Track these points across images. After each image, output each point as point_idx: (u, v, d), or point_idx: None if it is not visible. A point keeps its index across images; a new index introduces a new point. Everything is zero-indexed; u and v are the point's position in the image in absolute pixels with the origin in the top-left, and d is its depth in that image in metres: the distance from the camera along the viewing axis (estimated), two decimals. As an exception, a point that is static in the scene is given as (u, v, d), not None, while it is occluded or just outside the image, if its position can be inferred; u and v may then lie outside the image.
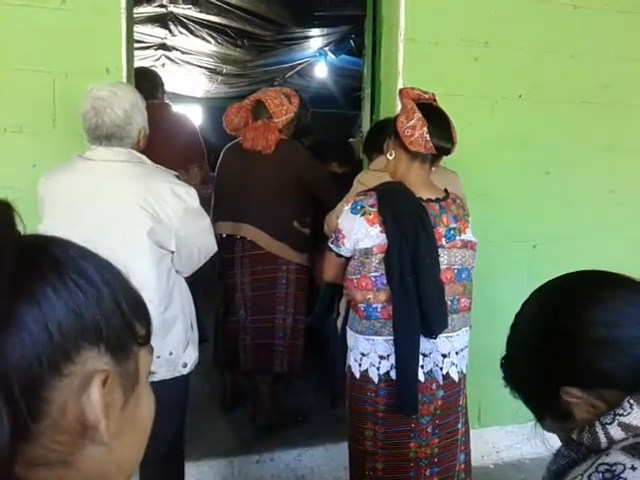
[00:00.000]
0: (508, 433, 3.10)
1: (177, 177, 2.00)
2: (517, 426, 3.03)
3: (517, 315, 0.96)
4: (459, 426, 2.05)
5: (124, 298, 0.52)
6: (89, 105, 1.87)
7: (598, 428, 0.81)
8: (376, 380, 1.93)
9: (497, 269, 2.88)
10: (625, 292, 0.87)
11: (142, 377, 0.55)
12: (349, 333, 2.01)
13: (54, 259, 0.49)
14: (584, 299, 0.87)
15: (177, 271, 2.00)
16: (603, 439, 0.80)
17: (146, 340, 0.55)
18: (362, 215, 1.88)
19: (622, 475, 0.73)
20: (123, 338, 0.52)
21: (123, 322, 0.52)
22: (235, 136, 3.04)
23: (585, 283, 0.92)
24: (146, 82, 3.11)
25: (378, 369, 1.93)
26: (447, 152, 1.95)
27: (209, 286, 3.25)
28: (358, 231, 1.89)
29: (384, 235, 1.86)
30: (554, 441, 0.92)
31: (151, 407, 0.57)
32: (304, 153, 3.07)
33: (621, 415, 0.80)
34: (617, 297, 0.86)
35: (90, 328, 0.48)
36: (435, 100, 1.96)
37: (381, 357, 1.92)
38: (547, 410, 0.90)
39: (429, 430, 1.96)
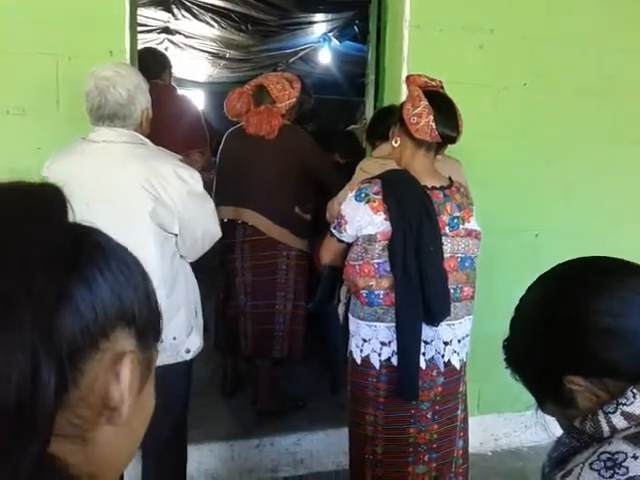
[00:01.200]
0: (507, 421, 3.12)
1: (181, 160, 2.00)
2: (516, 414, 3.05)
3: (522, 298, 0.95)
4: (458, 412, 2.07)
5: (152, 292, 0.56)
6: (92, 84, 1.86)
7: (601, 417, 0.81)
8: (377, 366, 1.94)
9: (499, 258, 2.89)
10: (632, 280, 0.86)
11: (152, 370, 0.58)
12: (351, 319, 2.02)
13: (98, 245, 0.52)
14: (591, 287, 0.86)
15: (182, 256, 2.00)
16: (606, 428, 0.80)
17: (160, 335, 0.59)
18: (366, 202, 1.88)
19: (624, 464, 0.73)
20: (149, 328, 0.55)
21: (150, 313, 0.55)
22: (237, 121, 3.03)
23: (592, 270, 0.90)
24: (153, 61, 3.11)
25: (379, 355, 1.94)
26: (453, 141, 1.94)
27: (210, 272, 3.25)
28: (362, 218, 1.89)
29: (388, 223, 1.86)
30: (555, 428, 0.92)
31: (153, 401, 0.59)
32: (307, 138, 3.06)
33: (624, 404, 0.80)
34: (624, 286, 0.85)
35: (127, 312, 0.52)
36: (442, 88, 1.95)
37: (382, 343, 1.93)
38: (549, 395, 0.90)
39: (429, 416, 1.98)
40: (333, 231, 1.99)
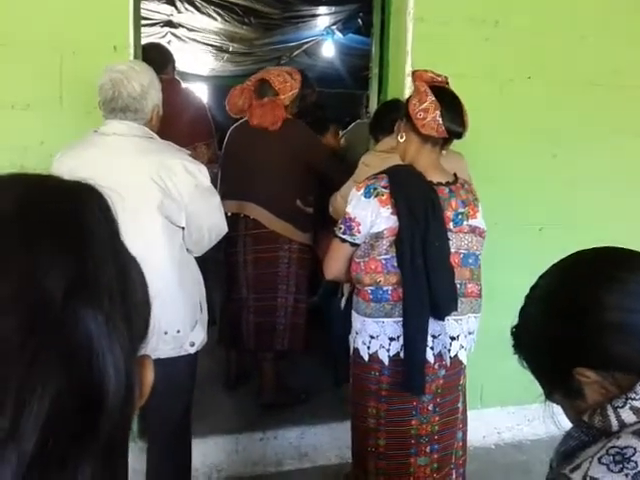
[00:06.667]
0: (510, 414, 3.12)
1: (189, 155, 2.02)
2: (519, 407, 3.06)
3: (534, 287, 0.95)
4: (459, 405, 2.08)
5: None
6: (107, 78, 1.90)
7: (610, 411, 0.81)
8: (386, 362, 1.94)
9: (502, 252, 2.88)
10: None
11: None
12: (355, 317, 2.01)
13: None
14: (604, 280, 0.85)
15: (187, 250, 2.01)
16: (614, 422, 0.80)
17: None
18: (375, 197, 1.88)
19: (633, 458, 0.73)
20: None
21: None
22: (239, 118, 3.04)
23: (606, 262, 0.89)
24: (158, 55, 3.12)
25: (388, 350, 1.93)
26: (459, 136, 1.93)
27: (217, 266, 3.26)
28: (372, 213, 1.88)
29: (395, 217, 1.86)
30: (563, 421, 0.92)
31: None
32: (308, 132, 3.07)
33: (633, 399, 0.80)
34: (638, 279, 0.84)
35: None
36: (447, 83, 1.95)
37: (391, 339, 1.93)
38: (557, 386, 0.90)
39: (430, 408, 1.98)
40: (344, 236, 1.94)
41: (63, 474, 0.41)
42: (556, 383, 0.90)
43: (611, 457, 0.74)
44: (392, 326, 1.93)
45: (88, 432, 0.43)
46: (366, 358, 1.97)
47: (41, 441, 0.40)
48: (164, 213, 1.88)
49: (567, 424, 0.90)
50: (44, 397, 0.40)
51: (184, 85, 3.46)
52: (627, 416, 0.80)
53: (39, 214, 0.46)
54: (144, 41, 3.11)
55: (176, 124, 2.78)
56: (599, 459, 0.75)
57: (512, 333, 0.95)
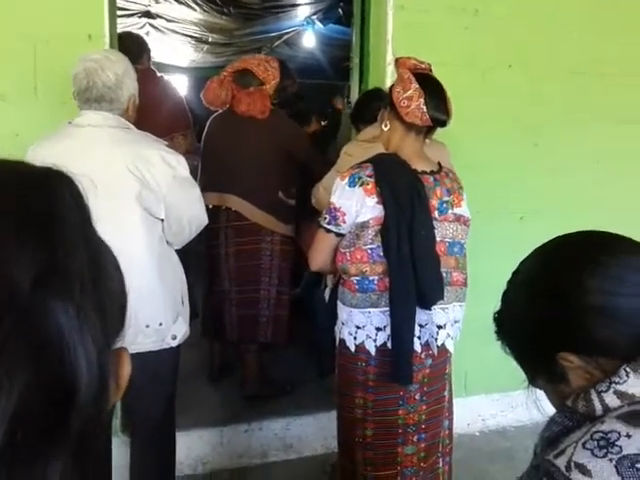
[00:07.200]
0: (494, 401, 3.15)
1: (167, 146, 1.99)
2: (503, 394, 3.08)
3: (516, 271, 0.94)
4: (445, 393, 2.08)
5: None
6: (81, 67, 1.86)
7: (593, 396, 0.80)
8: (373, 352, 1.93)
9: (483, 240, 2.88)
10: (629, 257, 0.85)
11: None
12: (341, 307, 1.99)
13: None
14: (586, 263, 0.85)
15: (168, 242, 1.99)
16: (598, 407, 0.80)
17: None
18: (360, 186, 1.86)
19: (617, 443, 0.73)
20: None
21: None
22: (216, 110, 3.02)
23: (588, 245, 0.89)
24: (133, 45, 3.08)
25: (375, 341, 1.92)
26: (443, 124, 1.92)
27: (199, 258, 3.24)
28: (357, 203, 1.86)
29: (380, 207, 1.85)
30: (547, 406, 0.92)
31: None
32: (292, 123, 3.08)
33: (617, 383, 0.79)
34: (622, 264, 0.84)
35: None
36: (431, 70, 1.93)
37: (377, 329, 1.92)
38: (541, 371, 0.89)
39: (417, 397, 1.98)
40: (328, 227, 1.92)
41: (32, 469, 0.40)
42: (539, 368, 0.89)
43: (595, 442, 0.74)
44: (378, 316, 1.92)
45: (59, 427, 0.41)
46: (352, 349, 1.96)
47: (9, 435, 0.38)
48: (143, 204, 1.86)
49: (550, 410, 0.90)
50: (12, 390, 0.39)
51: (160, 74, 3.42)
52: (611, 400, 0.79)
53: (7, 200, 0.44)
54: (120, 31, 3.07)
55: (153, 114, 2.74)
56: (583, 444, 0.74)
57: (494, 319, 0.95)
